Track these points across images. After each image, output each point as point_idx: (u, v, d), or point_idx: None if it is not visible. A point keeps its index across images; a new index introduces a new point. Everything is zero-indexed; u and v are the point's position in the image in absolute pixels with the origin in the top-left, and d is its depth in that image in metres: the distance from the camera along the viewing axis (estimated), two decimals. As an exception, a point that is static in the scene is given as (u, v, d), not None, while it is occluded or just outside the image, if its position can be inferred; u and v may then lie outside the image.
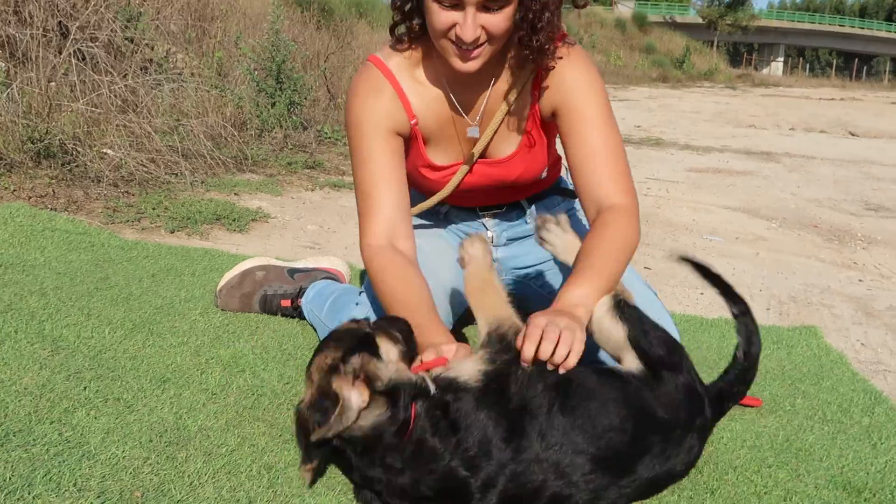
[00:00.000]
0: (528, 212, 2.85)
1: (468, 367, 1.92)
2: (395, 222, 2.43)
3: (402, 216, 2.45)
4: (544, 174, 2.67)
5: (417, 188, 2.71)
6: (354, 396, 1.76)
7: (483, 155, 2.56)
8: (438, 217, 2.84)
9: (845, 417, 2.64)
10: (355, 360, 1.80)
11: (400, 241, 2.42)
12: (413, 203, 2.71)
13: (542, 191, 2.86)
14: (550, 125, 2.54)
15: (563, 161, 2.70)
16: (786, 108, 21.60)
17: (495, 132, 2.51)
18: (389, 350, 1.91)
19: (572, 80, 2.41)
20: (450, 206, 2.81)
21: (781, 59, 78.61)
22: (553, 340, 1.89)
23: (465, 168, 2.57)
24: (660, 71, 42.17)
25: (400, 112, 2.46)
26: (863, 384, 2.95)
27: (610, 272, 2.19)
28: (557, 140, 2.56)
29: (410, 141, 2.54)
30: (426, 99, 2.49)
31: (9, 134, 5.05)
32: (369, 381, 1.79)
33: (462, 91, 2.49)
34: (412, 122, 2.48)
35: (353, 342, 1.87)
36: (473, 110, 2.52)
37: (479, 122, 2.52)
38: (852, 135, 15.33)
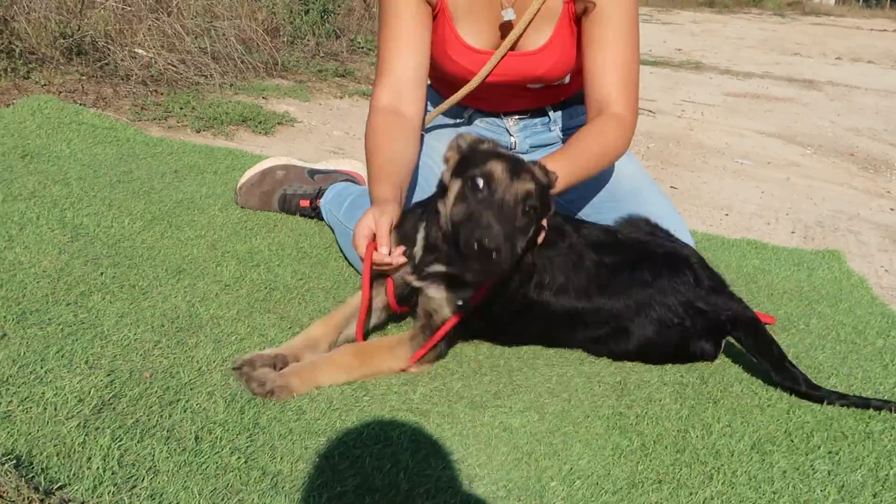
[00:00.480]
0: (552, 118, 2.81)
1: None
2: (405, 85, 2.42)
3: (415, 81, 2.44)
4: (567, 79, 2.63)
5: (443, 80, 2.69)
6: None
7: (513, 47, 2.52)
8: (461, 120, 2.81)
9: (859, 338, 2.62)
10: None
11: (406, 105, 2.42)
12: (437, 104, 2.69)
13: (566, 98, 2.82)
14: (579, 25, 2.49)
15: None
16: (834, 38, 20.95)
17: (531, 21, 2.46)
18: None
19: None
20: (473, 109, 2.78)
21: (835, -14, 76.06)
22: None
23: (497, 55, 2.51)
24: (707, -6, 40.95)
25: None
26: (881, 308, 2.92)
27: (584, 165, 2.31)
28: None
29: (438, 17, 2.49)
30: None
31: (41, 29, 5.04)
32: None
33: None
34: None
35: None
36: None
37: (514, 2, 2.47)
38: (901, 66, 14.88)
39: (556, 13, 2.47)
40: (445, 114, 2.75)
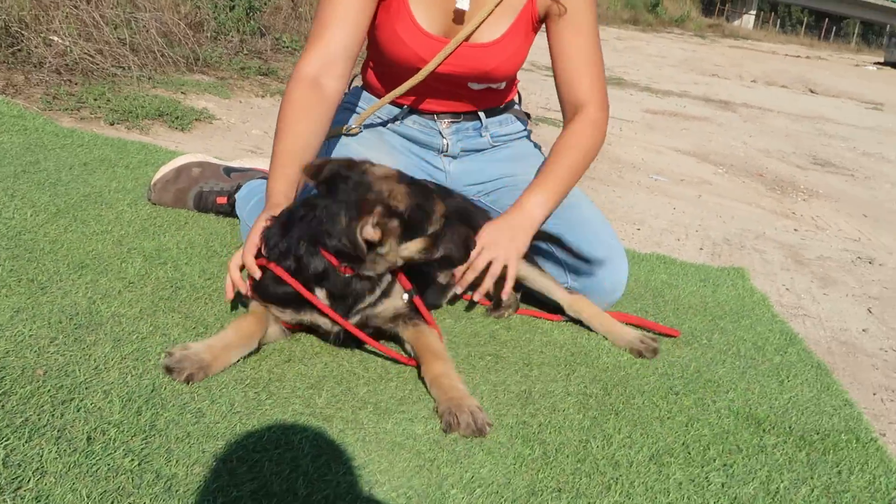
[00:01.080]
0: (484, 124, 2.82)
1: None
2: (334, 58, 2.40)
3: (345, 56, 2.43)
4: (503, 85, 2.67)
5: (385, 73, 2.69)
6: (369, 230, 1.94)
7: (474, 37, 2.54)
8: (395, 119, 2.80)
9: (758, 354, 2.70)
10: (394, 225, 1.99)
11: (329, 79, 2.40)
12: (382, 95, 2.68)
13: (499, 106, 2.85)
14: (535, 29, 2.59)
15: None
16: (751, 61, 21.63)
17: (491, 12, 2.50)
18: (412, 248, 2.06)
19: None
20: (409, 107, 2.77)
21: (754, 12, 78.36)
22: (478, 270, 2.32)
23: (454, 43, 2.51)
24: (632, 13, 41.78)
25: None
26: (780, 325, 3.02)
27: (569, 182, 2.55)
28: None
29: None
30: None
31: (-52, 10, 4.86)
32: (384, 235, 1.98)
33: None
34: None
35: (414, 217, 2.01)
36: None
37: None
38: (812, 92, 15.44)
39: (515, 9, 2.51)
40: (378, 113, 2.74)
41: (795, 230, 4.86)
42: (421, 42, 2.53)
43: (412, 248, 2.05)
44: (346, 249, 1.95)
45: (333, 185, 2.01)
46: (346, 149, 2.67)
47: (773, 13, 72.13)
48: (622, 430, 2.05)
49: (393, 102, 2.72)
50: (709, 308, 3.08)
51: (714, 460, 1.99)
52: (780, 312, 3.26)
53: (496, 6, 2.49)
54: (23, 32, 5.06)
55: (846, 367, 2.86)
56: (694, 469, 1.93)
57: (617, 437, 2.01)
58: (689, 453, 2.00)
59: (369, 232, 1.93)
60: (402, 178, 2.05)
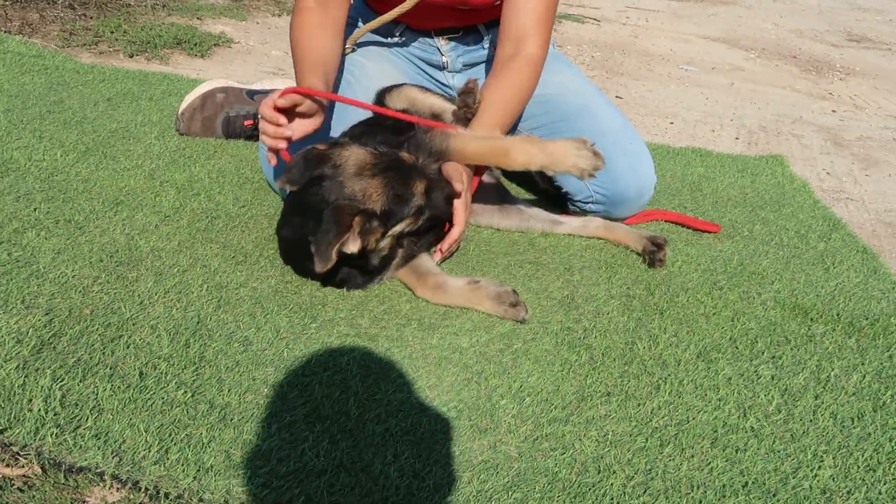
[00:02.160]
0: (485, 37, 2.75)
1: None
2: None
3: None
4: (498, 1, 2.57)
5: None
6: (350, 245, 1.88)
7: None
8: (393, 38, 2.74)
9: (801, 243, 2.66)
10: (375, 226, 1.92)
11: (331, 8, 2.37)
12: (369, 20, 2.62)
13: (499, 17, 2.76)
14: None
15: None
16: (777, -63, 20.81)
17: None
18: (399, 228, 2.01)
19: None
20: (405, 25, 2.70)
21: None
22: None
23: None
24: None
25: None
26: (823, 211, 2.96)
27: (506, 118, 2.35)
28: None
29: None
30: None
31: (-44, -49, 4.79)
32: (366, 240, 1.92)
33: None
34: None
35: (392, 209, 1.96)
36: None
37: None
38: (843, -35, 14.85)
39: None
40: (376, 31, 2.67)
41: (833, 111, 4.73)
42: None
43: (398, 229, 2.00)
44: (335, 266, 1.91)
45: (311, 189, 1.97)
46: (362, 69, 2.62)
47: None
48: (667, 329, 2.04)
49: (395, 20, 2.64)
50: (748, 199, 3.03)
51: (762, 353, 1.97)
52: (822, 198, 3.20)
53: None
54: (33, -32, 4.99)
55: (893, 249, 2.81)
56: (742, 363, 1.92)
57: (663, 337, 2.00)
58: (737, 348, 1.99)
59: (351, 247, 1.88)
60: (377, 165, 1.96)
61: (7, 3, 4.63)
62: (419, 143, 2.12)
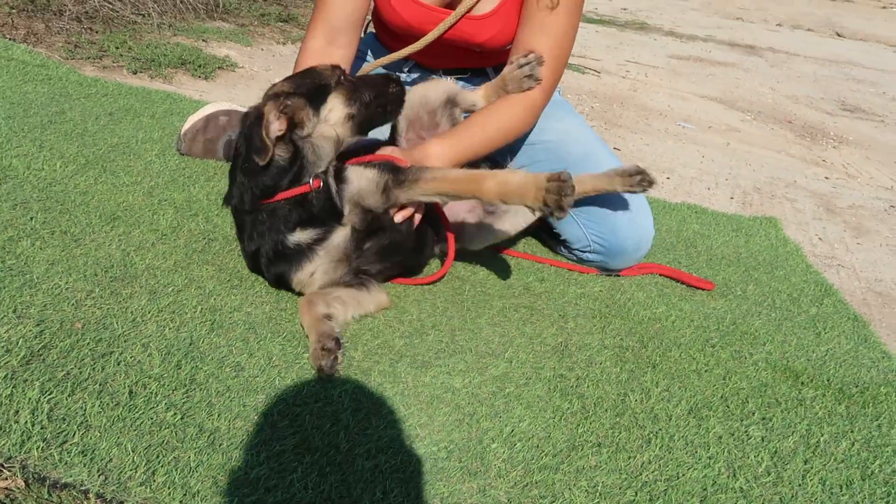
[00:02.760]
0: (493, 79, 2.76)
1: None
2: (337, 30, 2.43)
3: (348, 26, 2.44)
4: (510, 45, 2.59)
5: (387, 30, 2.64)
6: (274, 124, 1.91)
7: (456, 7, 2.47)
8: (401, 72, 2.75)
9: (794, 306, 2.67)
10: (293, 101, 1.94)
11: (336, 48, 2.43)
12: (379, 55, 2.64)
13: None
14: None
15: None
16: (776, 4, 21.17)
17: None
18: (335, 109, 2.03)
19: None
20: (414, 62, 2.72)
21: (778, -47, 76.62)
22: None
23: (446, 23, 2.46)
24: (653, -45, 40.90)
25: None
26: (815, 276, 2.98)
27: (476, 144, 2.34)
28: None
29: None
30: None
31: (-33, -44, 4.80)
32: (292, 123, 1.95)
33: None
34: None
35: (306, 87, 2.00)
36: None
37: None
38: (839, 35, 15.11)
39: None
40: (385, 66, 2.69)
41: (826, 178, 4.78)
42: (412, 12, 2.50)
43: (335, 107, 2.02)
44: (264, 153, 1.91)
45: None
46: None
47: (797, -46, 70.17)
48: (660, 383, 2.04)
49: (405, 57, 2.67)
50: (742, 258, 3.04)
51: (753, 414, 1.97)
52: (814, 263, 3.21)
53: None
54: (42, -21, 5.00)
55: (883, 319, 2.83)
56: (733, 423, 1.92)
57: (655, 391, 1.99)
58: (728, 406, 1.98)
59: (275, 126, 1.91)
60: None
61: (14, 11, 4.63)
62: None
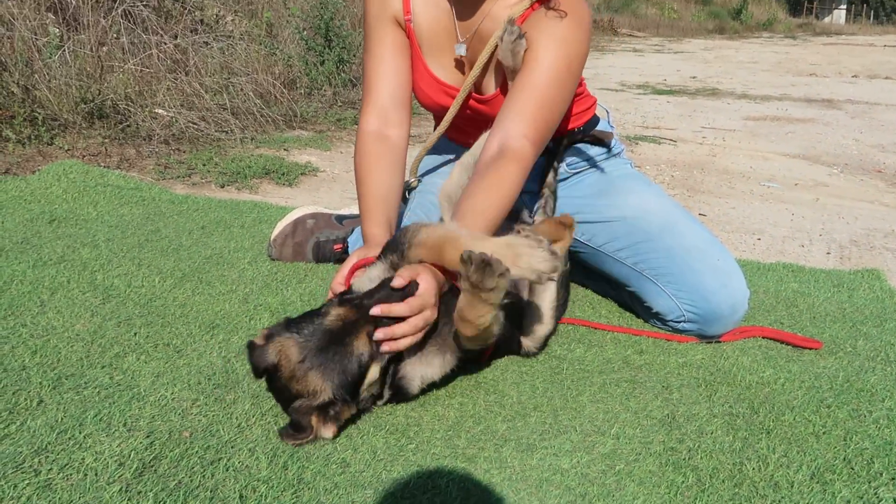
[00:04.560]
0: None
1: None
2: (387, 110, 2.51)
3: (396, 104, 2.53)
4: None
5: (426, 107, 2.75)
6: (326, 433, 1.85)
7: (478, 90, 2.56)
8: (452, 156, 2.82)
9: (909, 358, 2.55)
10: (337, 408, 1.86)
11: (391, 128, 2.52)
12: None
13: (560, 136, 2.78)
14: None
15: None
16: (848, 56, 20.91)
17: (482, 68, 2.49)
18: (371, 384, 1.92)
19: (551, 26, 2.35)
20: (445, 138, 2.79)
21: (844, 6, 75.86)
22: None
23: (457, 102, 2.55)
24: (716, 22, 40.93)
25: (398, 2, 2.51)
26: (928, 326, 2.85)
27: (489, 227, 2.12)
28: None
29: (411, 46, 2.57)
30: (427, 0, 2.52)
31: (63, 95, 5.11)
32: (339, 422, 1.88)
33: (461, 6, 2.49)
34: (406, 18, 2.51)
35: (341, 387, 1.85)
36: (466, 26, 2.50)
37: (468, 39, 2.51)
38: (918, 80, 14.79)
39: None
40: (437, 150, 2.77)
41: (925, 224, 4.61)
42: (434, 89, 2.60)
43: (368, 385, 1.91)
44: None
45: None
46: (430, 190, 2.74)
47: (864, 5, 69.65)
48: (776, 449, 1.95)
49: (446, 136, 2.77)
50: (847, 314, 2.93)
51: (881, 474, 1.86)
52: (925, 312, 3.07)
53: (485, 64, 2.48)
54: (129, 108, 5.29)
55: None
56: (860, 485, 1.82)
57: (772, 458, 1.91)
58: (853, 468, 1.88)
59: (327, 434, 1.86)
60: (302, 358, 1.84)
61: (106, 140, 4.89)
62: (395, 241, 2.07)
